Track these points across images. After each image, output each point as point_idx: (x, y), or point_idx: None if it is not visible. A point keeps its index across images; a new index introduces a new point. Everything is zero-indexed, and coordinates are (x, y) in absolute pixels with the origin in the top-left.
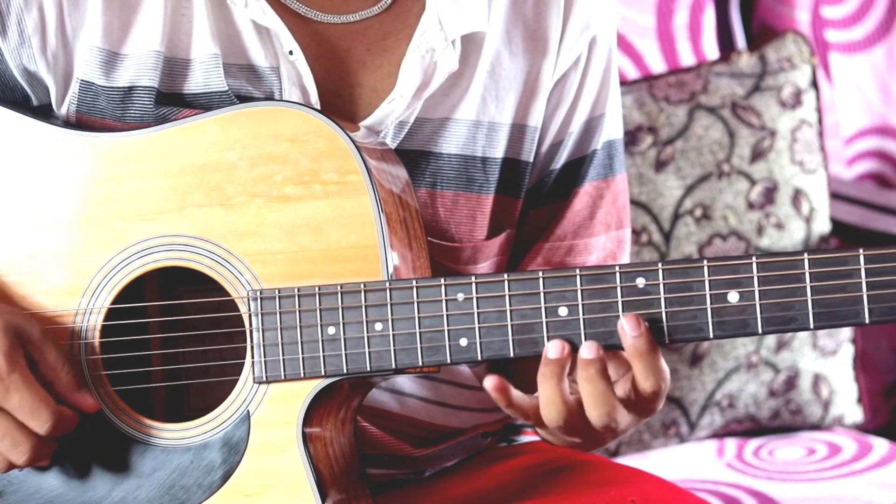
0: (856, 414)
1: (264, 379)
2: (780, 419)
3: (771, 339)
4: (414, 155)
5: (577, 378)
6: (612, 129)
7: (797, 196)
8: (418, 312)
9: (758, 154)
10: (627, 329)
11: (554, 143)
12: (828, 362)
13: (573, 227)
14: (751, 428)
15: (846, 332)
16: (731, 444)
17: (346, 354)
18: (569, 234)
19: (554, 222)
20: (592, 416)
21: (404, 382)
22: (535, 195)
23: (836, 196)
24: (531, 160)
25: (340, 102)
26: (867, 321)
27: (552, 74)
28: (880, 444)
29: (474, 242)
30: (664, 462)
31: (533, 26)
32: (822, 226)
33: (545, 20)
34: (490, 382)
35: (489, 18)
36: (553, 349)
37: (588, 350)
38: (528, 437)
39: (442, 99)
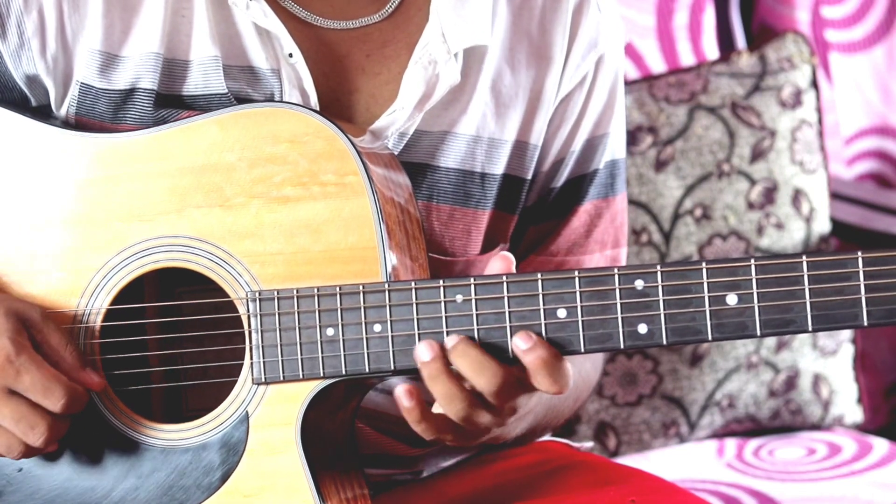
0: (856, 414)
1: (263, 380)
2: (780, 419)
3: (771, 340)
4: (412, 168)
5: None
6: (615, 149)
7: (797, 196)
8: (417, 314)
9: (758, 154)
10: (521, 345)
11: (556, 162)
12: (828, 362)
13: (567, 244)
14: (751, 428)
15: (846, 333)
16: (731, 444)
17: (344, 356)
18: (562, 251)
19: (550, 238)
20: (450, 413)
21: (400, 383)
22: (536, 212)
23: (836, 196)
24: (530, 178)
25: (339, 106)
26: (866, 324)
27: (556, 93)
28: (880, 444)
29: (468, 257)
30: (664, 462)
31: (537, 43)
32: (822, 226)
33: (550, 37)
34: (401, 390)
35: (492, 32)
36: (424, 352)
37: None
38: None
39: (442, 112)
